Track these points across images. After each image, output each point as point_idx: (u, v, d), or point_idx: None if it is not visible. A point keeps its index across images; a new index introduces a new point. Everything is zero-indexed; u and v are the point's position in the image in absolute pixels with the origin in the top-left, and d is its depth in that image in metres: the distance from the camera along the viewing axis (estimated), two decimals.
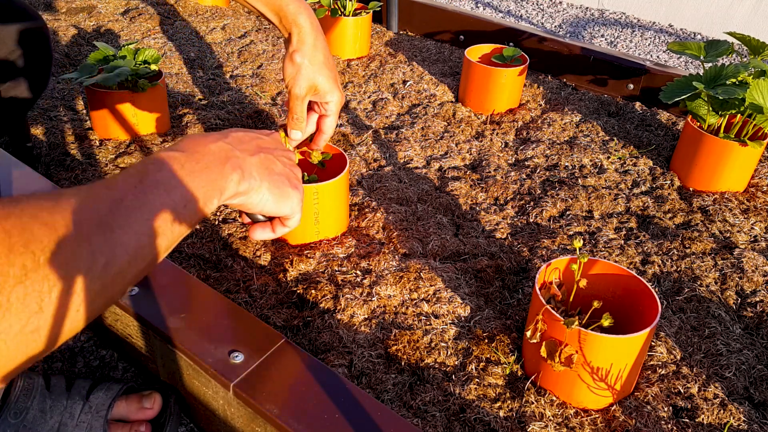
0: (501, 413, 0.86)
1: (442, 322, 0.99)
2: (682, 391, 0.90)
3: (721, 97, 1.24)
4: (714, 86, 1.28)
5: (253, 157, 0.60)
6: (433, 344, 0.95)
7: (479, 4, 2.78)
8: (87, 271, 0.40)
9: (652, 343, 0.96)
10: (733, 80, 1.29)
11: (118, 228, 0.43)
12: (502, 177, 1.38)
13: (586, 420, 0.86)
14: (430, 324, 0.99)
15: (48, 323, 0.37)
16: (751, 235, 1.23)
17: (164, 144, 1.42)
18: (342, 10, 1.87)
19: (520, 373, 0.92)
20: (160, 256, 0.48)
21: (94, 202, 0.43)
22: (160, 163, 0.50)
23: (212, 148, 0.56)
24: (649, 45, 2.40)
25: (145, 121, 1.43)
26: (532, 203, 1.30)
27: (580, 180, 1.37)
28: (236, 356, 0.78)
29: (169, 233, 0.49)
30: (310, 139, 1.01)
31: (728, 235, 1.23)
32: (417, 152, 1.47)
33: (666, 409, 0.88)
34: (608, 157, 1.46)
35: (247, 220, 0.77)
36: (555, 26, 2.57)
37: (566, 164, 1.43)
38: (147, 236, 0.46)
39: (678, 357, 0.96)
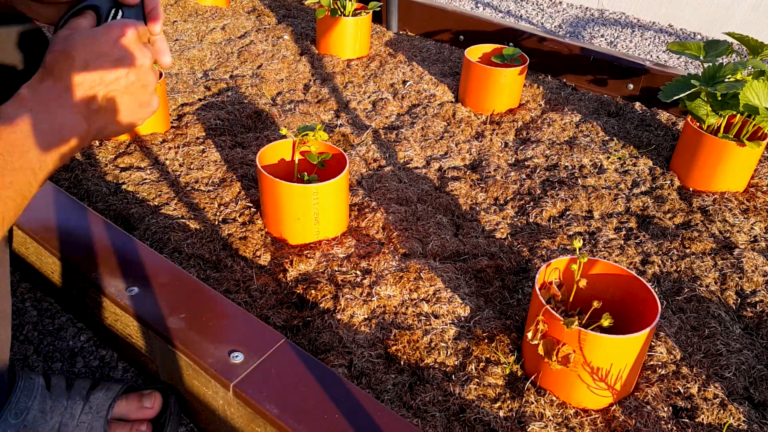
0: (501, 413, 0.86)
1: (442, 322, 0.99)
2: (682, 391, 0.90)
3: (720, 94, 1.24)
4: (713, 84, 1.27)
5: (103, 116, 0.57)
6: (433, 344, 0.95)
7: (479, 4, 2.78)
8: None
9: (652, 343, 0.96)
10: (731, 77, 1.28)
11: None
12: (502, 177, 1.38)
13: (586, 420, 0.86)
14: (430, 324, 0.99)
15: None
16: (751, 235, 1.23)
17: (164, 144, 1.42)
18: (342, 10, 1.87)
19: (520, 373, 0.92)
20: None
21: None
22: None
23: (64, 114, 0.54)
24: (649, 45, 2.40)
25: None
26: (532, 203, 1.30)
27: (579, 180, 1.37)
28: (236, 356, 0.78)
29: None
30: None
31: (728, 235, 1.23)
32: (417, 152, 1.47)
33: (666, 409, 0.88)
34: (608, 157, 1.46)
35: None
36: (555, 26, 2.57)
37: (566, 164, 1.43)
38: None
39: (678, 357, 0.96)
